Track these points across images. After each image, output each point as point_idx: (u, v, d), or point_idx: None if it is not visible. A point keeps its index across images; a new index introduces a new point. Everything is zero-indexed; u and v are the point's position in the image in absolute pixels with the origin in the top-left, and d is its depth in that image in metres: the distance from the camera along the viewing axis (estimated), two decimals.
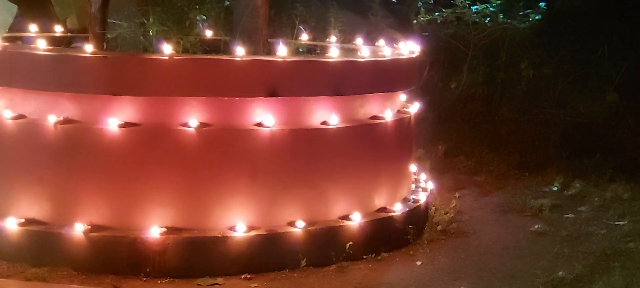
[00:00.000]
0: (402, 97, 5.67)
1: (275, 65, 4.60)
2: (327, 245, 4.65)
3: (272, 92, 4.59)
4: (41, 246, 4.44)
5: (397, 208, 5.08)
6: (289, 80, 4.63)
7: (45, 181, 4.54)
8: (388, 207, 5.08)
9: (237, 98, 4.57)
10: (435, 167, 6.88)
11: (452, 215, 5.68)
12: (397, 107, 5.45)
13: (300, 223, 4.60)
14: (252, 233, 4.50)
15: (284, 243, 4.57)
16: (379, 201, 5.07)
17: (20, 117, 4.61)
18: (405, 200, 5.33)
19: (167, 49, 4.58)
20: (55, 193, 4.53)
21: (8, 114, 4.59)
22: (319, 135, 4.76)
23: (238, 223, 4.52)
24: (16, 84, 4.60)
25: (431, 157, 7.27)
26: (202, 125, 4.50)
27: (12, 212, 4.55)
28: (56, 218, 4.51)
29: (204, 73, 4.49)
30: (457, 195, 6.26)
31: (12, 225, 4.49)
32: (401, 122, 5.29)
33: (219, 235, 4.45)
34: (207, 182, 4.52)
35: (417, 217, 5.27)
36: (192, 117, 4.51)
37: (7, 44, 4.77)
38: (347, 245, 4.67)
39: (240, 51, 4.70)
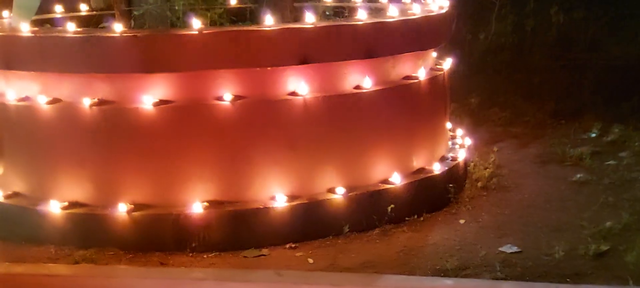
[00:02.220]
0: (433, 54, 5.59)
1: (306, 32, 4.53)
2: (369, 209, 4.64)
3: (304, 60, 4.54)
4: (86, 228, 4.49)
5: (436, 168, 5.04)
6: (321, 46, 4.57)
7: (86, 163, 4.57)
8: (427, 167, 5.04)
9: (269, 68, 4.54)
10: (469, 121, 6.81)
11: (491, 170, 5.62)
12: (429, 65, 5.37)
13: (341, 190, 4.59)
14: (294, 202, 4.50)
15: (326, 211, 4.57)
16: (418, 162, 5.03)
17: (56, 101, 4.64)
18: (443, 159, 5.28)
19: (195, 22, 4.55)
20: (96, 175, 4.55)
21: (43, 99, 4.63)
22: (354, 99, 4.71)
23: (279, 193, 4.53)
24: (49, 68, 4.60)
25: (465, 111, 7.19)
26: (237, 97, 4.49)
27: (54, 196, 4.60)
28: (98, 199, 4.55)
29: (235, 45, 4.45)
30: (494, 149, 6.21)
31: (56, 209, 4.54)
32: (435, 79, 5.22)
33: (261, 207, 4.46)
34: (245, 154, 4.52)
35: (457, 174, 5.23)
36: (226, 90, 4.49)
37: (36, 27, 4.76)
38: (389, 208, 4.66)
39: (268, 19, 4.65)
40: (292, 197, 4.52)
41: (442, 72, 5.37)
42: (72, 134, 4.59)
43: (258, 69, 4.51)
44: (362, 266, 4.14)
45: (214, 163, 4.50)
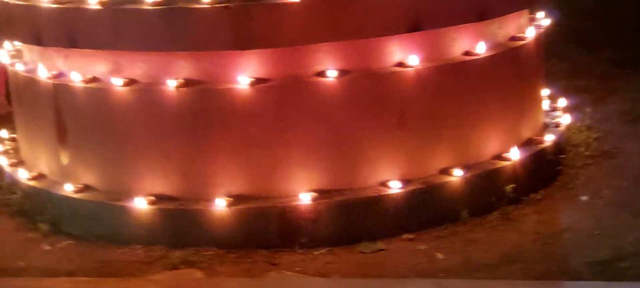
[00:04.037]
0: None
1: None
2: (486, 190, 4.19)
3: (414, 26, 4.03)
4: (178, 225, 4.00)
5: (547, 137, 4.61)
6: (432, 10, 4.05)
7: (171, 152, 4.05)
8: (535, 137, 4.61)
9: (375, 38, 4.04)
10: None
11: (586, 134, 5.22)
12: (531, 24, 4.88)
13: (458, 171, 4.13)
14: (408, 188, 4.04)
15: (442, 195, 4.11)
16: (526, 132, 4.59)
17: (132, 82, 4.10)
18: (546, 126, 4.85)
19: None
20: (185, 165, 4.05)
21: (118, 81, 4.09)
22: (465, 67, 4.22)
23: (389, 177, 4.06)
24: (123, 45, 4.03)
25: None
26: (340, 73, 3.99)
27: (138, 190, 4.09)
28: (189, 192, 4.05)
29: (339, 14, 3.91)
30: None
31: (142, 204, 4.03)
32: (538, 39, 4.75)
33: (374, 195, 3.99)
34: (351, 135, 4.03)
35: (564, 142, 4.81)
36: (328, 65, 3.99)
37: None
38: (508, 188, 4.23)
39: None
40: (402, 181, 4.08)
41: (542, 30, 4.89)
42: (153, 119, 4.05)
43: (362, 39, 4.02)
44: (502, 261, 3.71)
45: (317, 148, 4.01)
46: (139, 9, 3.95)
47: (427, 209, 4.08)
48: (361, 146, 4.05)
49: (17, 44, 4.90)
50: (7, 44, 5.09)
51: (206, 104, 3.98)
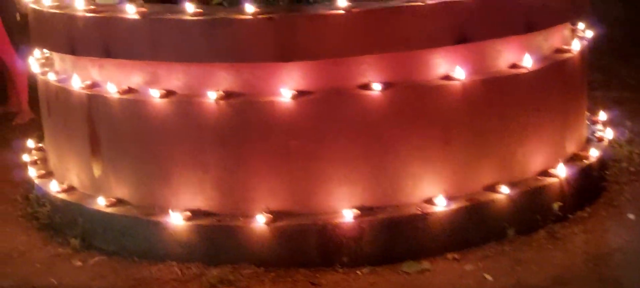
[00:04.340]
0: None
1: (464, 5, 3.88)
2: (532, 208, 4.05)
3: (461, 38, 3.91)
4: (215, 242, 3.87)
5: (592, 153, 4.47)
6: (480, 21, 3.92)
7: (210, 166, 3.92)
8: (580, 152, 4.47)
9: (420, 50, 3.91)
10: None
11: (628, 148, 5.07)
12: (574, 35, 4.74)
13: (504, 189, 4.00)
14: (454, 205, 3.91)
15: (488, 213, 3.97)
16: (570, 147, 4.45)
17: (169, 93, 3.98)
18: (589, 140, 4.71)
19: None
20: (223, 179, 3.92)
21: (155, 92, 3.97)
22: (512, 80, 4.09)
23: (432, 194, 3.92)
24: (161, 56, 3.92)
25: None
26: (384, 85, 3.86)
27: (174, 205, 3.96)
28: (227, 208, 3.92)
29: (385, 25, 3.78)
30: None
31: (178, 220, 3.91)
32: (583, 51, 4.61)
33: (418, 212, 3.86)
34: (395, 149, 3.90)
35: (607, 157, 4.67)
36: (371, 77, 3.86)
37: (143, 9, 4.03)
38: (556, 205, 4.08)
39: None
40: (449, 199, 3.95)
41: (586, 42, 4.76)
42: (191, 132, 3.93)
43: (407, 51, 3.89)
44: (555, 283, 3.57)
45: (360, 163, 3.88)
46: (179, 19, 3.84)
47: (472, 227, 3.94)
48: (405, 161, 3.92)
49: (48, 52, 4.81)
50: (37, 52, 5.01)
51: (246, 117, 3.86)
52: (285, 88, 3.82)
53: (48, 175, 4.72)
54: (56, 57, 4.68)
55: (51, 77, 4.51)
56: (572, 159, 4.39)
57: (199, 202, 3.97)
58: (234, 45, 3.77)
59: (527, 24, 4.08)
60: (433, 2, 3.85)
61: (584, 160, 4.39)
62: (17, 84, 6.50)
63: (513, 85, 4.10)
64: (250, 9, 3.75)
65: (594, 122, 5.03)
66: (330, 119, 3.85)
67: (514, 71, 4.11)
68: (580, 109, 4.61)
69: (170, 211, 3.95)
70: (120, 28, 3.95)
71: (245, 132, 3.88)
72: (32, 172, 4.78)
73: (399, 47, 3.84)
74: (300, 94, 3.81)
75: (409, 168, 3.93)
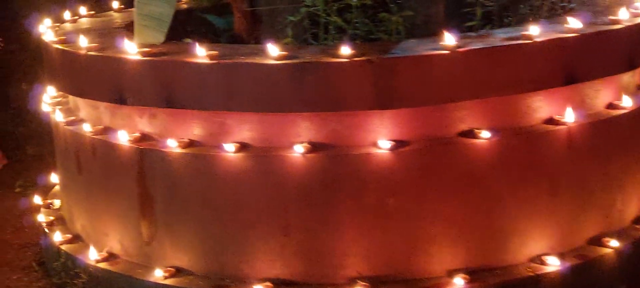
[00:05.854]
0: None
1: (574, 42, 3.51)
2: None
3: (570, 78, 3.55)
4: None
5: None
6: (589, 59, 3.57)
7: (292, 229, 3.42)
8: None
9: (525, 93, 3.53)
10: None
11: None
12: None
13: (614, 242, 3.64)
14: (567, 263, 3.52)
15: (599, 270, 3.60)
16: None
17: (242, 147, 3.49)
18: None
19: (447, 36, 3.35)
20: (308, 243, 3.42)
21: (229, 147, 3.46)
22: (614, 123, 3.73)
23: (537, 251, 3.51)
24: (236, 105, 3.43)
25: None
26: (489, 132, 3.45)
27: (248, 274, 3.45)
28: (311, 275, 3.42)
29: (495, 66, 3.38)
30: None
31: None
32: None
33: (531, 274, 3.46)
34: (502, 205, 3.47)
35: None
36: (472, 124, 3.45)
37: (214, 52, 3.45)
38: None
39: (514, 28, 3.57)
40: (559, 256, 3.56)
41: None
42: (270, 190, 3.42)
43: (511, 95, 3.51)
44: None
45: (464, 220, 3.46)
46: (260, 64, 3.33)
47: (584, 287, 3.58)
48: (511, 216, 3.50)
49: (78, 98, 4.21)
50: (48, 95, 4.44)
51: (334, 171, 3.38)
52: (379, 138, 3.38)
53: (75, 239, 4.15)
54: (83, 104, 4.11)
55: (86, 128, 3.93)
56: None
57: (278, 269, 3.46)
58: (326, 93, 3.30)
59: (629, 61, 3.77)
60: (542, 39, 3.49)
61: None
62: None
63: (614, 126, 3.76)
64: (346, 51, 3.29)
65: None
66: (432, 172, 3.41)
67: (614, 112, 3.78)
68: None
69: (244, 281, 3.45)
70: (187, 74, 3.42)
71: (334, 189, 3.40)
72: (57, 236, 4.17)
73: (509, 89, 3.42)
74: (398, 145, 3.39)
75: (516, 224, 3.52)
